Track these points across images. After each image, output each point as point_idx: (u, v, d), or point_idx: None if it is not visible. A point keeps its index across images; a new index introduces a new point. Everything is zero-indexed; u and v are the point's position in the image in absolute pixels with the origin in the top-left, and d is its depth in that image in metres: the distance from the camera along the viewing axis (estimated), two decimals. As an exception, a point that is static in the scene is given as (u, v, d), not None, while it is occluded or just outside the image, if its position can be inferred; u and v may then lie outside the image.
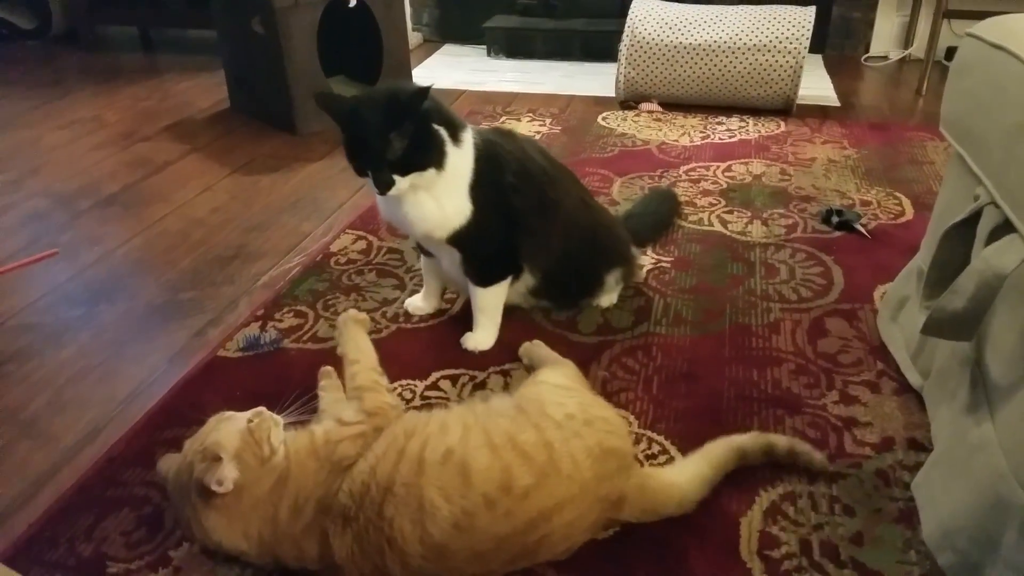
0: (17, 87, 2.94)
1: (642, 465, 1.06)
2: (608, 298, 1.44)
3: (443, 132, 1.17)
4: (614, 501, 0.93)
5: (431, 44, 3.54)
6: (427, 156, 1.14)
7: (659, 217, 1.71)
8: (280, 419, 0.93)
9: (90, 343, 1.39)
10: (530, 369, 1.25)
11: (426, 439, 0.89)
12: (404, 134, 1.12)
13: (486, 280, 1.30)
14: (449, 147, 1.17)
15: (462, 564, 0.85)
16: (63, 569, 0.93)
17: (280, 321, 1.42)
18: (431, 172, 1.15)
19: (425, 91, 1.12)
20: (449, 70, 3.14)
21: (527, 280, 1.33)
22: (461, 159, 1.19)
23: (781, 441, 1.06)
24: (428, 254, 1.36)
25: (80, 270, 1.64)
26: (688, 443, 1.10)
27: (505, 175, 1.23)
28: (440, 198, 1.19)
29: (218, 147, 2.32)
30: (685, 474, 1.00)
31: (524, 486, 0.85)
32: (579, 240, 1.34)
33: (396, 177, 1.13)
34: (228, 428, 0.90)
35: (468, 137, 1.21)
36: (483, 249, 1.26)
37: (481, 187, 1.21)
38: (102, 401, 1.24)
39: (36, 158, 2.26)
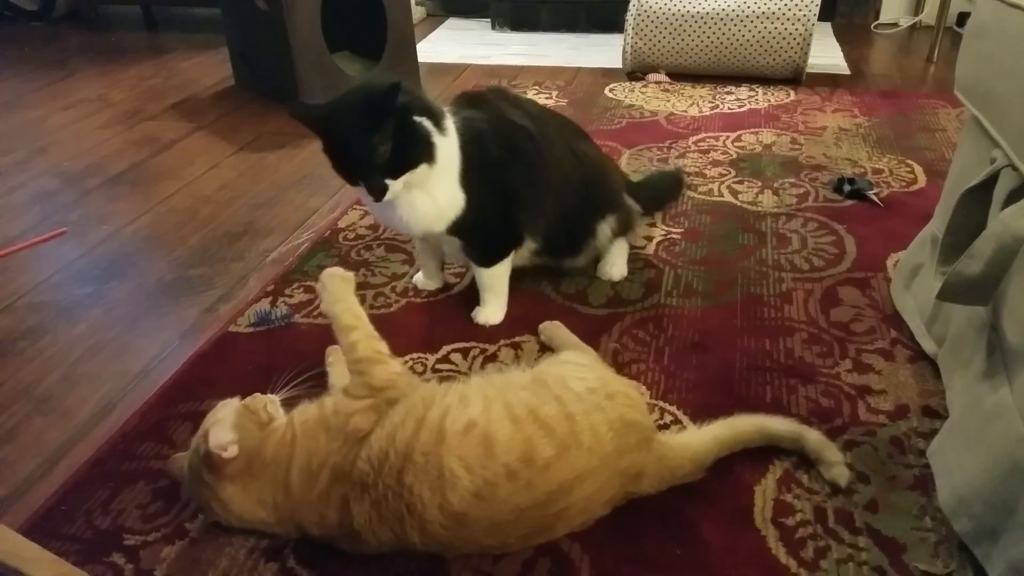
0: (21, 68, 2.93)
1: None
2: (614, 266, 1.42)
3: (427, 123, 1.11)
4: (633, 475, 0.93)
5: (435, 18, 3.50)
6: (416, 152, 1.10)
7: (661, 190, 1.65)
8: (276, 397, 0.95)
9: (102, 320, 1.40)
10: (544, 346, 1.25)
11: (446, 409, 0.89)
12: (387, 135, 1.06)
13: (490, 260, 1.29)
14: (436, 137, 1.12)
15: (480, 534, 0.85)
16: (81, 542, 0.94)
17: (290, 296, 1.42)
18: (423, 168, 1.11)
19: (397, 85, 1.05)
20: (453, 44, 3.11)
21: (529, 245, 1.32)
22: (448, 148, 1.15)
23: (813, 438, 1.01)
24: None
25: (90, 248, 1.65)
26: (700, 413, 1.10)
27: (491, 153, 1.20)
28: (433, 192, 1.15)
29: (224, 124, 2.32)
30: (701, 435, 1.00)
31: (546, 458, 0.85)
32: (572, 193, 1.31)
33: (389, 182, 1.08)
34: (225, 409, 0.93)
35: (450, 124, 1.17)
36: (483, 232, 1.25)
37: (471, 172, 1.18)
38: (115, 376, 1.24)
39: (42, 138, 2.25)
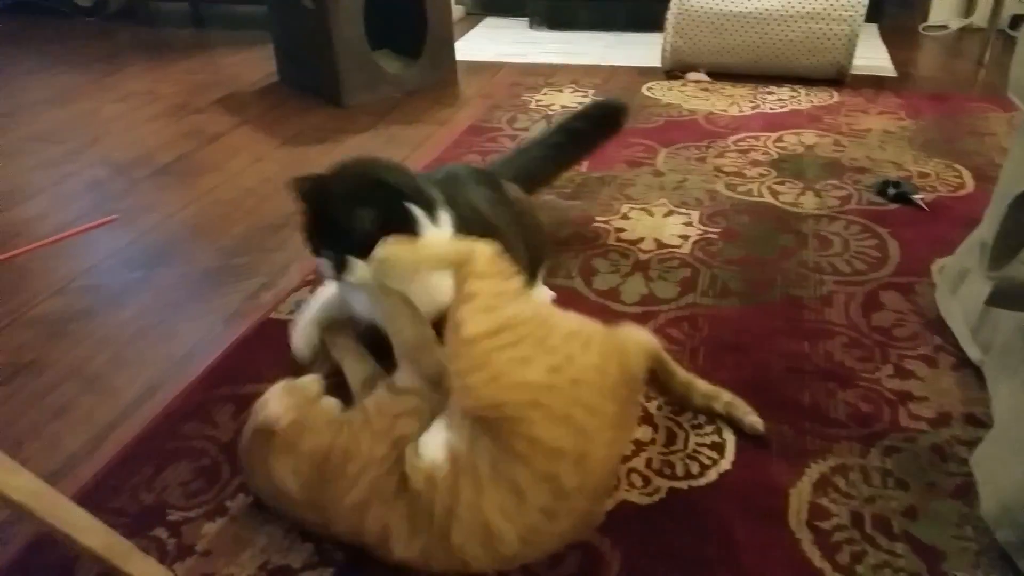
0: (76, 61, 3.02)
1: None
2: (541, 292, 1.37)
3: (419, 211, 1.04)
4: (634, 389, 0.94)
5: (473, 17, 3.52)
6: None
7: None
8: (318, 376, 0.99)
9: (149, 304, 1.44)
10: None
11: (471, 448, 0.85)
12: (372, 213, 1.00)
13: None
14: (427, 228, 1.04)
15: (532, 557, 0.87)
16: (126, 515, 0.97)
17: (330, 287, 1.44)
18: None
19: (396, 168, 1.04)
20: (490, 43, 3.12)
21: None
22: (441, 238, 1.07)
23: (725, 397, 1.08)
24: None
25: (138, 235, 1.69)
26: (736, 412, 1.10)
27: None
28: (420, 283, 1.03)
29: (268, 119, 2.36)
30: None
31: (574, 485, 0.83)
32: (526, 257, 1.24)
33: (356, 261, 1.00)
34: (273, 388, 0.96)
35: (444, 214, 1.09)
36: None
37: None
38: (161, 359, 1.28)
39: (94, 129, 2.32)
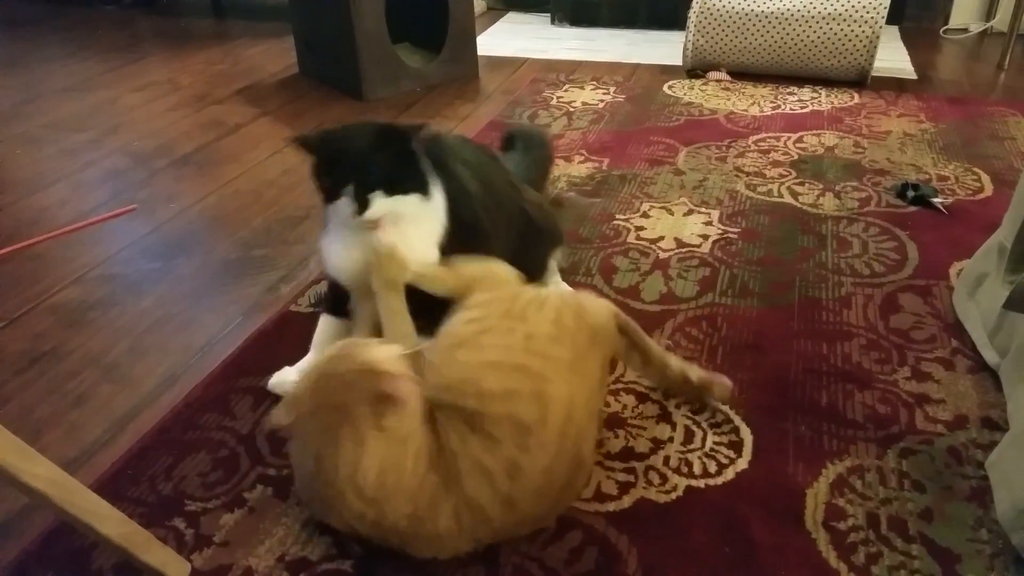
0: (96, 50, 3.04)
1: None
2: (559, 286, 1.36)
3: (428, 168, 1.08)
4: (594, 339, 0.97)
5: (495, 12, 3.52)
6: (413, 181, 1.05)
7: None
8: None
9: (168, 294, 1.45)
10: None
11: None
12: (390, 155, 1.03)
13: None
14: (433, 184, 1.08)
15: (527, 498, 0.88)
16: (144, 505, 0.98)
17: (347, 280, 1.45)
18: (414, 202, 1.05)
19: (421, 126, 1.06)
20: (512, 37, 3.12)
21: None
22: (436, 206, 1.10)
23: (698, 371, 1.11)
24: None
25: (158, 225, 1.70)
26: (753, 413, 1.10)
27: (467, 223, 1.13)
28: (409, 241, 1.06)
29: (288, 111, 2.37)
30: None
31: (535, 420, 0.87)
32: (526, 241, 1.25)
33: (379, 197, 1.02)
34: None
35: (438, 185, 1.11)
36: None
37: (450, 238, 1.11)
38: (180, 349, 1.29)
39: (114, 118, 2.34)
